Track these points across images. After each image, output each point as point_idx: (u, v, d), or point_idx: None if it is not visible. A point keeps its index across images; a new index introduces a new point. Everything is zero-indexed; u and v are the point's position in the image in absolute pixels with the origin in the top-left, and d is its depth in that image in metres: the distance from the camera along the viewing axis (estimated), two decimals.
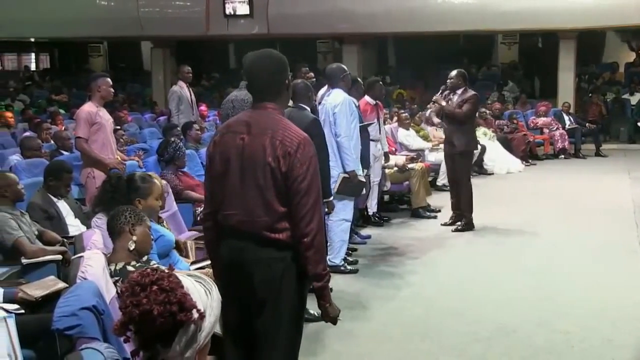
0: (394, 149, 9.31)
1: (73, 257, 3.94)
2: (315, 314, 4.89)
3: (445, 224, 7.76)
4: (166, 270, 1.77)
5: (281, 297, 2.94)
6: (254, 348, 3.01)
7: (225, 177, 2.96)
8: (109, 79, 6.23)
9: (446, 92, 7.72)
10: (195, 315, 1.72)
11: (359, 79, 7.36)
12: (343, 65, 6.41)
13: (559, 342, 4.54)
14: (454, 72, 7.70)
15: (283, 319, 2.97)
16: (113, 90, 6.34)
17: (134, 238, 3.49)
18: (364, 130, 6.54)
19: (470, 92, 7.57)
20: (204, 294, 1.80)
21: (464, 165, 7.65)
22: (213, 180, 3.03)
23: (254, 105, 3.07)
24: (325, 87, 6.46)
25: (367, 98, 7.39)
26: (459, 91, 7.54)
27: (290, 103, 4.80)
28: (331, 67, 6.37)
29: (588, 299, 5.36)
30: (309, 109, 5.36)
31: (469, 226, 7.54)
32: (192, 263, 4.31)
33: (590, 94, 16.38)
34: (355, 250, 6.73)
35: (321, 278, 2.92)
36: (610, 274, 6.03)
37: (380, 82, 7.94)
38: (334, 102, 5.93)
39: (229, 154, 2.94)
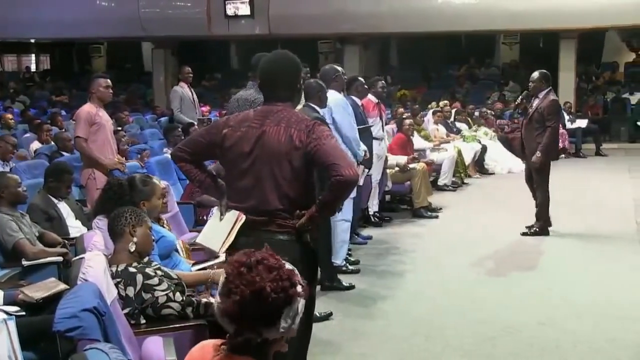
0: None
1: (74, 259, 3.92)
2: (317, 314, 4.89)
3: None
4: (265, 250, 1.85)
5: None
6: None
7: (239, 169, 3.02)
8: (103, 80, 6.16)
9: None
10: (300, 290, 1.80)
11: (359, 78, 7.31)
12: (335, 66, 6.39)
13: (565, 341, 4.52)
14: (535, 75, 7.28)
15: None
16: (111, 91, 6.28)
17: (135, 239, 3.47)
18: (365, 131, 6.52)
19: (551, 97, 7.16)
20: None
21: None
22: (228, 165, 3.10)
23: (265, 103, 3.14)
24: None
25: (370, 96, 7.38)
26: (541, 95, 7.18)
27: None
28: (324, 68, 6.35)
29: (593, 299, 5.34)
30: (319, 109, 5.34)
31: (543, 231, 7.23)
32: (194, 264, 4.29)
33: (590, 94, 16.37)
34: (350, 254, 6.45)
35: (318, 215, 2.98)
36: (614, 273, 6.01)
37: (382, 81, 7.91)
38: (329, 102, 5.89)
39: (243, 147, 3.01)
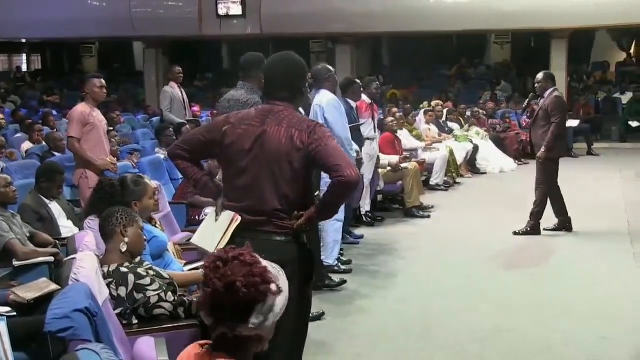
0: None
1: (65, 259, 3.90)
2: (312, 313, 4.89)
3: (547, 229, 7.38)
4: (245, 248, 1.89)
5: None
6: None
7: (237, 167, 3.01)
8: (97, 80, 6.13)
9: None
10: (274, 288, 1.82)
11: (357, 81, 7.30)
12: (328, 66, 6.37)
13: (555, 341, 4.54)
14: (540, 75, 7.27)
15: (288, 319, 2.95)
16: (105, 91, 6.26)
17: (126, 239, 3.47)
18: (355, 131, 6.52)
19: (555, 94, 7.15)
20: (278, 273, 1.90)
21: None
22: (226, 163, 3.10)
23: (266, 103, 3.15)
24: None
25: (363, 97, 7.38)
26: (546, 94, 7.17)
27: None
28: (316, 68, 6.30)
29: (583, 298, 5.37)
30: (302, 110, 5.32)
31: (535, 230, 7.26)
32: (186, 264, 4.29)
33: (581, 93, 16.42)
34: (342, 254, 6.47)
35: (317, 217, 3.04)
36: (605, 272, 6.05)
37: (377, 82, 7.91)
38: (321, 102, 5.89)
39: (242, 145, 2.99)
